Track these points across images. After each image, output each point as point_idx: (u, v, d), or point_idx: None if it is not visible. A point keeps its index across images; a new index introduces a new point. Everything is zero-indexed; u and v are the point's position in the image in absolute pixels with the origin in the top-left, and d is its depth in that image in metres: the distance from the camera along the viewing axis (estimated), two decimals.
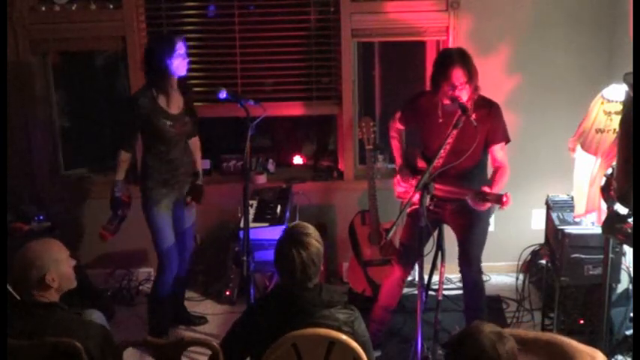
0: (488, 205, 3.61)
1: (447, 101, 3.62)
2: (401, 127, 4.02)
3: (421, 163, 3.87)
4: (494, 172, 3.77)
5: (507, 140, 3.80)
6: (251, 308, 3.01)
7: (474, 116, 3.56)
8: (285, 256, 2.68)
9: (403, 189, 3.90)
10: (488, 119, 3.70)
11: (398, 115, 4.00)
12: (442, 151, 3.54)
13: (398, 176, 3.93)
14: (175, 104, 3.94)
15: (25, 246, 2.82)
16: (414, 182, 3.80)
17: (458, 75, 3.55)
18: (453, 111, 3.59)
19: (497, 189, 3.65)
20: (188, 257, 4.32)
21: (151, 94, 3.88)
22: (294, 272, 2.66)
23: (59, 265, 2.83)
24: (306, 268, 2.66)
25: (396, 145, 4.04)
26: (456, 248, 3.89)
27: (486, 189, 3.59)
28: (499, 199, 3.45)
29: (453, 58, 3.58)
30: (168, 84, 3.88)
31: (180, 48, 3.84)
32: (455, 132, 3.52)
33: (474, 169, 3.75)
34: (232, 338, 2.80)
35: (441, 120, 3.70)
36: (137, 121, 3.88)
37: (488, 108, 3.72)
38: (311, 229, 2.75)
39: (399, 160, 4.02)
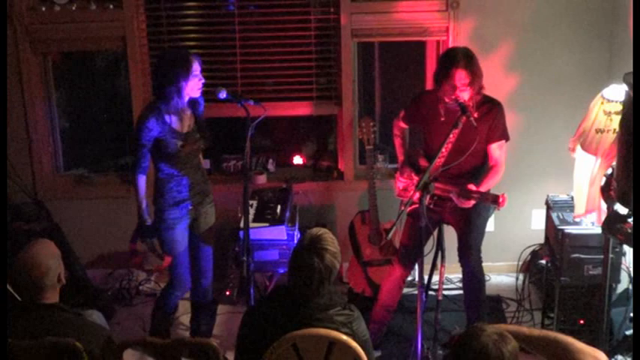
0: (472, 202, 3.60)
1: (448, 100, 3.62)
2: (404, 125, 4.03)
3: (423, 162, 3.87)
4: (487, 171, 3.77)
5: (506, 139, 3.79)
6: (249, 310, 3.01)
7: (475, 115, 3.56)
8: (302, 267, 2.66)
9: (403, 184, 3.90)
10: (490, 118, 3.70)
11: (402, 113, 4.00)
12: (443, 149, 3.54)
13: (398, 173, 3.93)
14: (186, 122, 3.74)
15: (27, 253, 2.80)
16: (414, 179, 3.80)
17: (460, 76, 3.55)
18: (455, 110, 3.59)
19: (484, 187, 3.65)
20: (209, 285, 4.06)
21: (159, 113, 3.63)
22: (310, 281, 2.66)
23: (61, 264, 2.85)
24: (322, 278, 2.67)
25: (399, 142, 4.04)
26: (456, 248, 3.89)
27: (472, 187, 3.59)
28: (495, 200, 3.45)
29: (457, 59, 3.58)
30: (179, 104, 3.66)
31: (197, 69, 3.63)
32: (456, 131, 3.52)
33: (478, 169, 3.74)
34: (240, 345, 2.80)
35: (443, 119, 3.70)
36: (147, 144, 3.64)
37: (490, 106, 3.73)
38: (329, 244, 2.72)
39: (401, 158, 4.02)
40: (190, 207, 3.81)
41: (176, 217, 3.77)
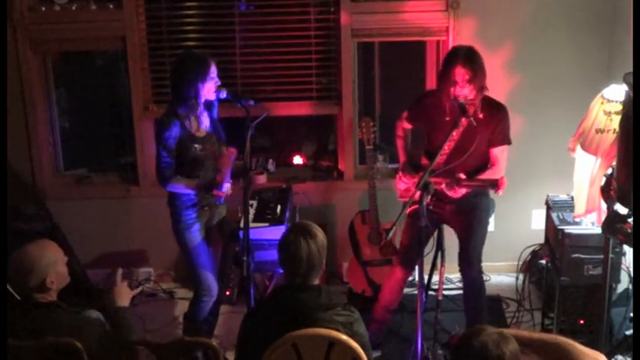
0: (462, 191, 3.62)
1: (447, 100, 3.61)
2: (408, 125, 4.01)
3: (424, 161, 3.86)
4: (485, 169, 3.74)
5: (508, 143, 3.78)
6: (250, 311, 3.01)
7: (480, 116, 3.56)
8: (291, 244, 2.70)
9: (405, 185, 3.89)
10: (494, 121, 3.68)
11: (405, 114, 3.99)
12: (445, 147, 3.54)
13: (400, 173, 3.93)
14: (203, 125, 3.74)
15: (21, 250, 2.81)
16: (416, 179, 3.79)
17: (459, 73, 3.53)
18: (457, 109, 3.58)
19: (476, 181, 3.64)
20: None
21: (177, 119, 3.62)
22: (300, 262, 2.67)
23: (56, 266, 2.85)
24: (312, 257, 2.67)
25: (401, 143, 4.03)
26: (456, 248, 3.89)
27: (462, 175, 3.59)
28: (494, 183, 3.45)
29: (458, 56, 3.57)
30: (196, 107, 3.66)
31: (214, 71, 3.64)
32: (457, 131, 3.51)
33: (481, 169, 3.73)
34: (240, 345, 2.80)
35: (448, 118, 3.68)
36: (169, 148, 3.61)
37: (495, 110, 3.71)
38: (315, 226, 2.79)
39: (402, 158, 4.01)
40: (206, 208, 3.81)
41: (192, 218, 3.76)
